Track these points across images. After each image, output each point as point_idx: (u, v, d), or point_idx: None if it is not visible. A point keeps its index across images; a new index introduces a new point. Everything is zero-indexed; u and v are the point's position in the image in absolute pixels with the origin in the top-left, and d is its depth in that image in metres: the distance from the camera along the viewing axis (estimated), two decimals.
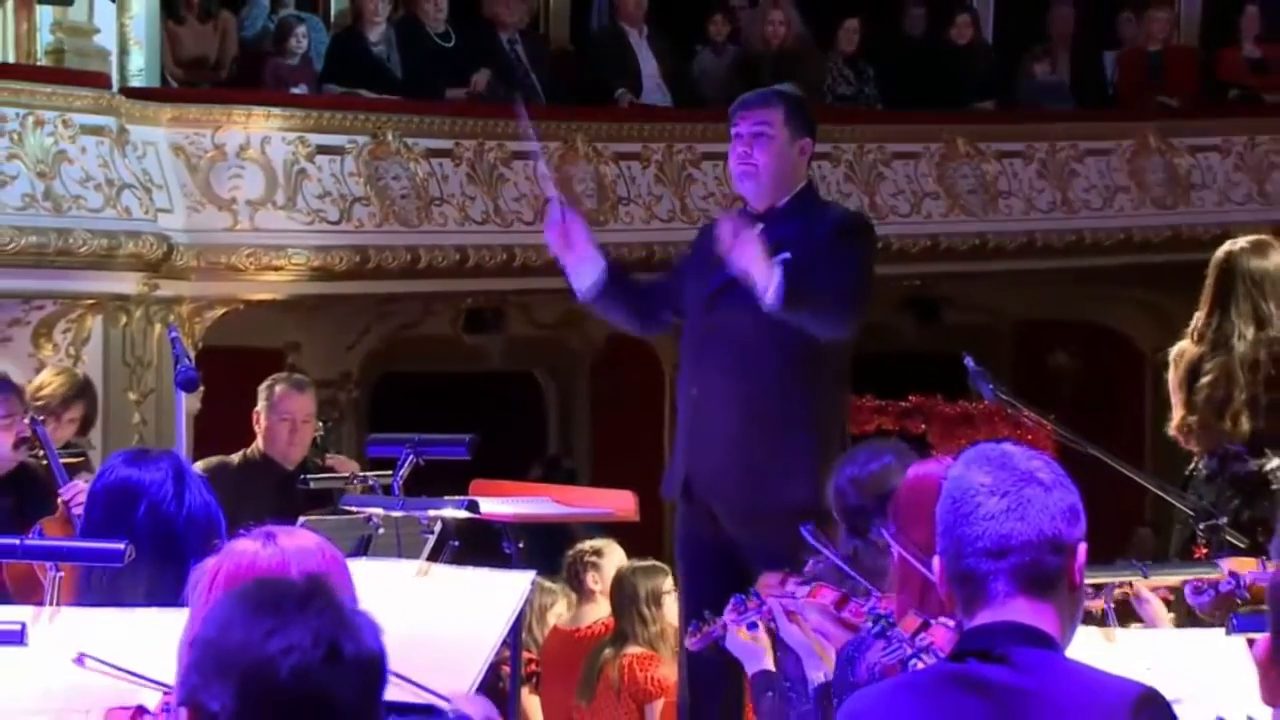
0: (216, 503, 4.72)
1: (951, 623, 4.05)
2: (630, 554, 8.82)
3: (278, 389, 8.39)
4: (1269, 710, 2.31)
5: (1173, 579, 5.50)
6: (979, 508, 3.33)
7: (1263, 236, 7.15)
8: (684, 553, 6.99)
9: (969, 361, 6.43)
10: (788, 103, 6.86)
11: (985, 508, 3.32)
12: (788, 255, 6.61)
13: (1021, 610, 3.33)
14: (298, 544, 3.62)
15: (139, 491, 4.64)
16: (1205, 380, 6.87)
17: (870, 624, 4.54)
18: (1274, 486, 6.80)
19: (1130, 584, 5.11)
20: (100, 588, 4.61)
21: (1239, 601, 5.21)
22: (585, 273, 6.91)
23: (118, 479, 4.73)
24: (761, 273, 6.29)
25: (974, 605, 3.35)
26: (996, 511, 3.32)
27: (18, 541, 5.32)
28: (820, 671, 4.67)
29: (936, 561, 3.43)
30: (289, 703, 2.59)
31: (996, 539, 3.32)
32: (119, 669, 3.94)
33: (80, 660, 4.06)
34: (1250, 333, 6.83)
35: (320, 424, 8.94)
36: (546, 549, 9.72)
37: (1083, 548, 3.35)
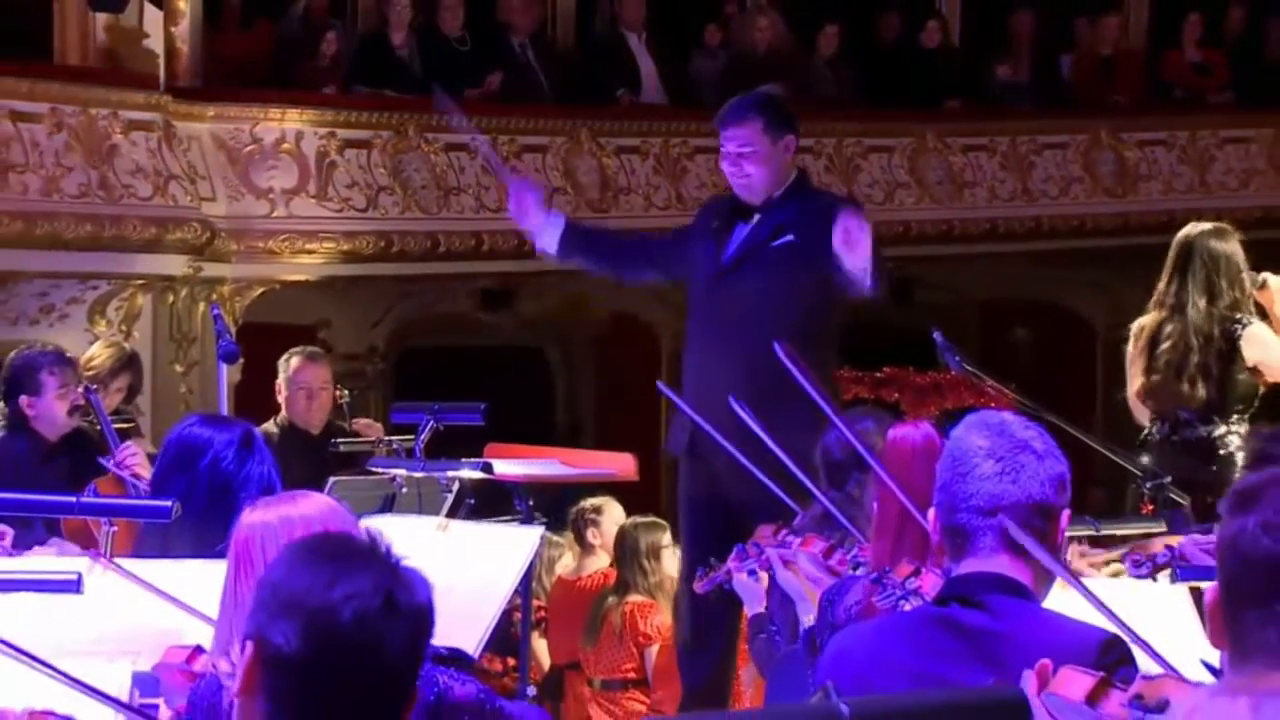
0: (278, 474, 4.72)
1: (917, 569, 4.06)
2: (630, 510, 8.82)
3: (294, 361, 8.38)
4: (1218, 652, 2.30)
5: (1121, 531, 5.51)
6: (976, 468, 3.34)
7: (1223, 225, 7.15)
8: (687, 506, 6.97)
9: (937, 336, 6.42)
10: (765, 112, 6.79)
11: (981, 469, 3.34)
12: (791, 237, 6.61)
13: (1003, 564, 3.34)
14: (310, 507, 3.62)
15: (206, 447, 4.66)
16: (1165, 345, 6.87)
17: (852, 570, 4.54)
18: (1221, 452, 6.79)
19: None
20: (154, 538, 4.61)
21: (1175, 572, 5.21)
22: (547, 234, 7.01)
23: (191, 433, 4.75)
24: (868, 267, 6.29)
25: (961, 555, 3.37)
26: (991, 474, 3.34)
27: (74, 499, 5.33)
28: (811, 615, 4.67)
29: (931, 513, 3.44)
30: (347, 644, 2.59)
31: (989, 498, 3.33)
32: (177, 601, 3.93)
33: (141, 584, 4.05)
34: (1202, 303, 6.83)
35: (345, 391, 8.94)
36: (553, 506, 9.73)
37: (1066, 514, 3.36)
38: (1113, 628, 3.20)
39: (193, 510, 4.53)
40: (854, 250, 6.25)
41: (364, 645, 2.59)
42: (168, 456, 4.77)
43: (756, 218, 6.70)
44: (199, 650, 3.64)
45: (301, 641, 2.58)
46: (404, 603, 2.62)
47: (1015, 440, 3.37)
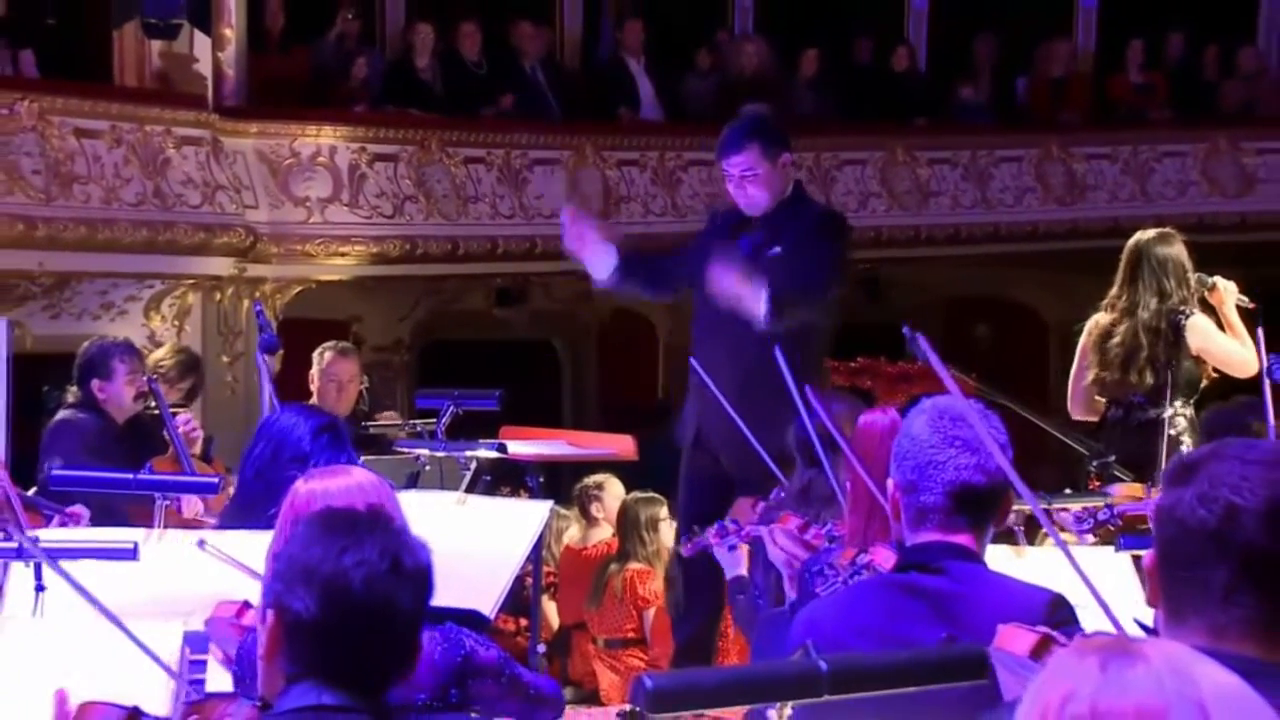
0: (355, 458, 4.71)
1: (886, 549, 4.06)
2: (629, 486, 8.83)
3: (327, 355, 8.38)
4: (1151, 612, 2.30)
5: (1069, 505, 5.52)
6: (952, 457, 3.34)
7: (1167, 230, 7.13)
8: (686, 486, 6.96)
9: (906, 330, 6.41)
10: (761, 137, 6.74)
11: (957, 459, 3.34)
12: (778, 250, 6.59)
13: (959, 535, 3.34)
14: (355, 480, 3.63)
15: (289, 432, 4.64)
16: (1115, 341, 6.88)
17: (828, 543, 4.54)
18: (1171, 432, 6.79)
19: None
20: (238, 512, 4.61)
21: (1112, 529, 5.22)
22: (601, 264, 6.88)
23: (284, 420, 4.74)
24: (749, 301, 6.28)
25: (920, 526, 3.37)
26: (965, 463, 3.34)
27: (132, 475, 5.33)
28: (794, 595, 4.66)
29: (890, 484, 3.44)
30: (359, 606, 2.60)
31: (961, 483, 3.33)
32: (231, 558, 3.93)
33: (201, 545, 4.06)
34: (1153, 304, 6.83)
35: (365, 379, 8.94)
36: (560, 482, 9.74)
37: (1011, 493, 3.37)
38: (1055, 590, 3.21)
39: (274, 486, 4.52)
40: (720, 289, 6.27)
41: (375, 606, 2.60)
42: (262, 436, 4.76)
43: (757, 229, 6.69)
44: (247, 605, 3.65)
45: (318, 607, 2.59)
46: (408, 565, 2.64)
47: (968, 425, 3.37)
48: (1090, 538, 5.29)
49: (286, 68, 13.13)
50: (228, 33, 12.45)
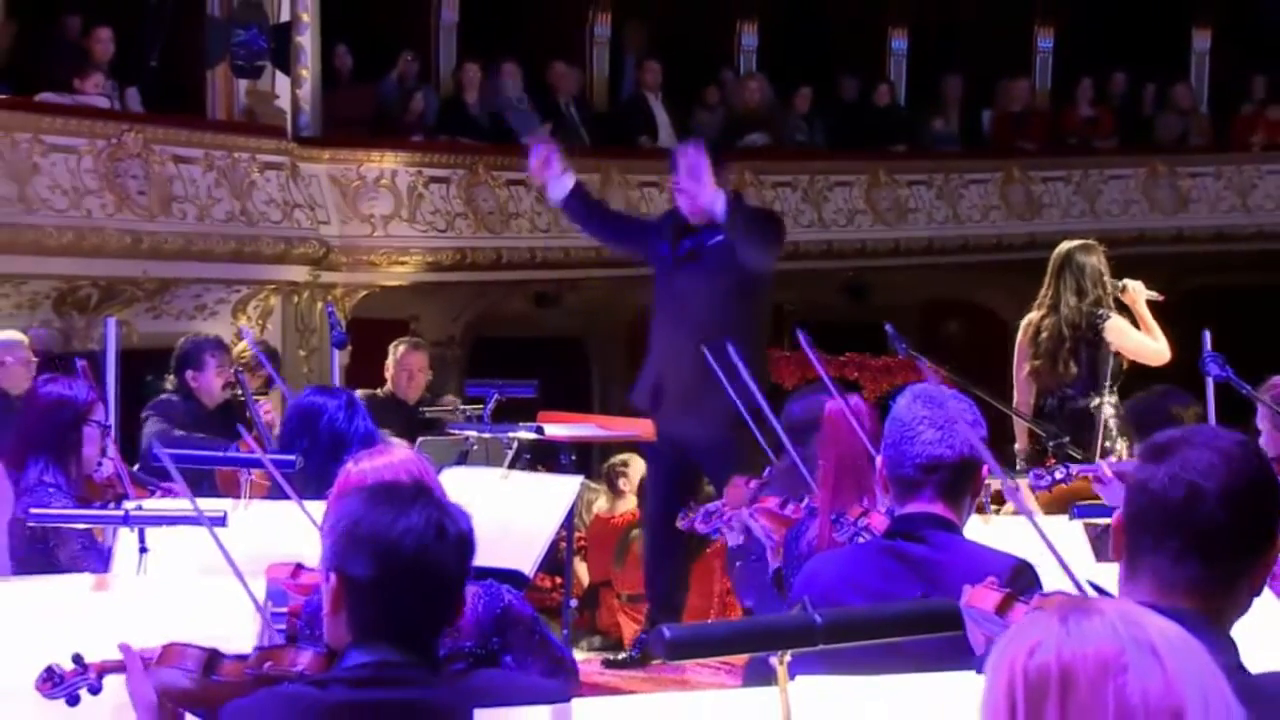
0: (375, 426, 4.72)
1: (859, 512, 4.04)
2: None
3: (400, 349, 8.40)
4: (1110, 574, 2.31)
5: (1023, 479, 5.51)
6: (920, 434, 3.33)
7: (1089, 241, 7.22)
8: (652, 455, 7.00)
9: (888, 328, 6.40)
10: (705, 145, 6.81)
11: (924, 435, 3.33)
12: (720, 238, 6.61)
13: (938, 507, 3.33)
14: (398, 458, 3.62)
15: (322, 410, 4.64)
16: (1044, 336, 6.92)
17: (807, 515, 4.50)
18: (1099, 417, 6.81)
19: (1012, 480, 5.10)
20: (291, 485, 4.61)
21: (1065, 486, 5.22)
22: (558, 187, 6.96)
23: (309, 400, 4.74)
24: (710, 201, 6.36)
25: (906, 499, 3.37)
26: (932, 439, 3.33)
27: (222, 453, 5.33)
28: (778, 563, 4.63)
29: (879, 462, 3.44)
30: (410, 569, 2.57)
31: (929, 458, 3.32)
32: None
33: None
34: (1073, 300, 6.89)
35: (429, 372, 8.94)
36: (589, 460, 9.72)
37: (985, 469, 3.37)
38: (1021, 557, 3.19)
39: (315, 460, 4.51)
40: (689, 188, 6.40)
41: (423, 568, 2.58)
42: (292, 420, 4.75)
43: (699, 231, 6.71)
44: (300, 567, 3.63)
45: (373, 569, 2.57)
46: (451, 531, 2.61)
47: (951, 413, 3.36)
48: (1045, 493, 5.30)
49: (354, 103, 13.14)
50: (304, 73, 12.46)
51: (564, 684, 3.60)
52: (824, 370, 4.85)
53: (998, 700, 1.62)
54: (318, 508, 4.05)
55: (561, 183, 6.95)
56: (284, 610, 3.72)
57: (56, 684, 2.92)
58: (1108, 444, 6.63)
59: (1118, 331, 6.82)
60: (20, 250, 10.52)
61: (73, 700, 2.92)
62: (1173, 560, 2.19)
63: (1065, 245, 7.08)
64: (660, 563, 6.82)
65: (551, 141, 7.33)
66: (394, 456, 3.58)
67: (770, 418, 5.12)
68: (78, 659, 2.91)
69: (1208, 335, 5.76)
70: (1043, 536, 2.65)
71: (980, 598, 2.61)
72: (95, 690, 2.91)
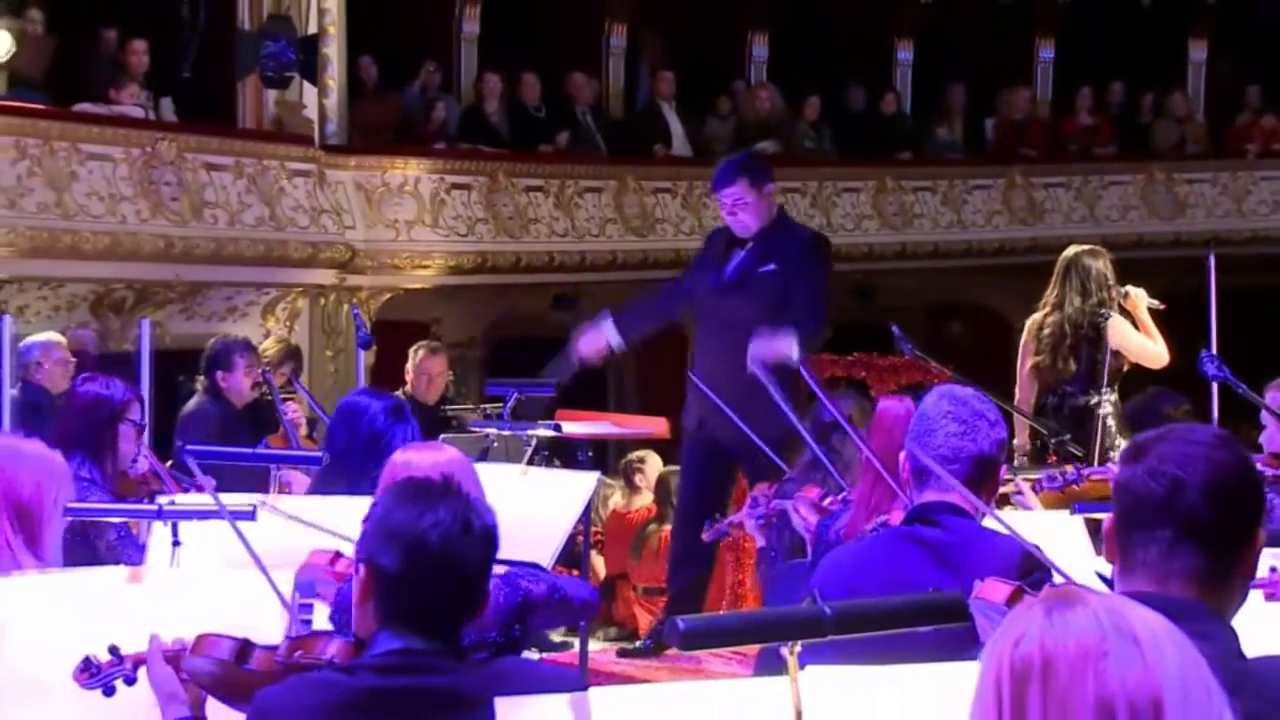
0: (419, 432, 4.70)
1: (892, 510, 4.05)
2: (665, 460, 8.80)
3: (420, 353, 8.39)
4: (1108, 567, 2.31)
5: (1033, 475, 5.49)
6: (943, 428, 3.37)
7: (1097, 246, 7.19)
8: (690, 464, 6.93)
9: (895, 329, 6.40)
10: (746, 172, 6.67)
11: (946, 429, 3.37)
12: (771, 267, 6.55)
13: (954, 496, 3.36)
14: (445, 455, 3.62)
15: (364, 410, 4.63)
16: (1046, 332, 6.91)
17: (841, 507, 4.54)
18: (1098, 414, 6.80)
19: (1013, 481, 5.11)
20: (325, 480, 4.61)
21: (1076, 487, 5.22)
22: (604, 338, 6.90)
23: (355, 400, 4.73)
24: (783, 355, 6.17)
25: (924, 488, 3.40)
26: (954, 433, 3.36)
27: (251, 450, 5.34)
28: (811, 550, 4.67)
29: (903, 456, 3.48)
30: (435, 561, 2.58)
31: (950, 450, 3.35)
32: (316, 526, 3.92)
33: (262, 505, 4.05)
34: (1077, 301, 6.88)
35: (451, 374, 8.94)
36: (605, 457, 9.72)
37: (1004, 468, 3.43)
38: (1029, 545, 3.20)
39: (353, 458, 4.51)
40: (773, 358, 6.12)
41: (448, 560, 2.58)
42: (337, 416, 4.75)
43: (749, 246, 6.65)
44: (338, 554, 3.63)
45: (401, 562, 2.57)
46: (476, 526, 2.61)
47: (974, 410, 3.42)
48: (1057, 493, 5.30)
49: (379, 112, 13.15)
50: (330, 83, 12.48)
51: (591, 598, 3.66)
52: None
53: (986, 691, 1.63)
54: (355, 503, 4.06)
55: (604, 330, 6.88)
56: (311, 600, 3.72)
57: (93, 675, 2.92)
58: (1107, 442, 6.62)
59: (1118, 330, 6.81)
60: (59, 255, 10.55)
61: (109, 691, 2.92)
62: (1164, 552, 2.19)
63: (1073, 249, 7.08)
64: (685, 564, 6.81)
65: (588, 333, 7.17)
66: (436, 455, 3.59)
67: (805, 437, 5.10)
68: (114, 650, 2.91)
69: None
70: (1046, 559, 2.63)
71: (991, 591, 2.62)
72: (130, 681, 2.91)
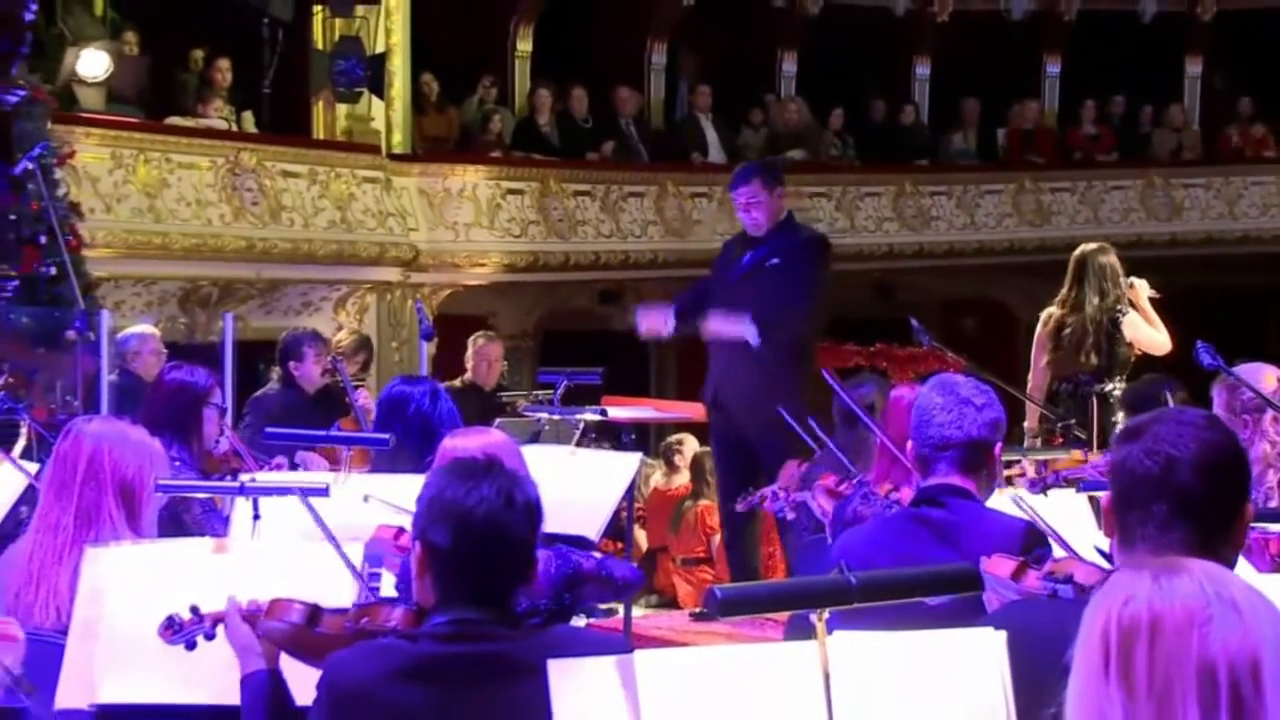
0: (457, 410, 4.73)
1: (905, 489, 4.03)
2: (701, 442, 8.79)
3: (479, 341, 8.41)
4: (1107, 541, 2.29)
5: (1040, 457, 5.47)
6: (935, 417, 3.34)
7: (1104, 244, 7.16)
8: (717, 448, 6.98)
9: (913, 323, 6.37)
10: (760, 174, 6.77)
11: (939, 417, 3.33)
12: (777, 260, 6.57)
13: (955, 478, 3.33)
14: (491, 438, 3.62)
15: (409, 398, 4.65)
16: (1068, 331, 6.86)
17: (856, 490, 4.52)
18: (1110, 402, 6.76)
19: (1020, 463, 5.08)
20: (389, 462, 4.62)
21: (1059, 489, 5.18)
22: (667, 326, 6.90)
23: (397, 390, 4.74)
24: (737, 334, 6.27)
25: (928, 473, 3.37)
26: (945, 420, 3.33)
27: (325, 433, 5.35)
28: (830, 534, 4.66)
29: (910, 445, 3.46)
30: (483, 536, 2.56)
31: (942, 438, 3.32)
32: (386, 502, 3.94)
33: (366, 499, 4.06)
34: (1096, 301, 6.83)
35: (505, 363, 8.95)
36: (647, 439, 9.71)
37: (999, 446, 3.39)
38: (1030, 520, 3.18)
39: (411, 442, 4.52)
40: (721, 334, 6.22)
41: (493, 533, 2.56)
42: (383, 408, 4.76)
43: (759, 245, 6.68)
44: (402, 530, 3.64)
45: (451, 538, 2.56)
46: (519, 500, 2.59)
47: (961, 397, 3.37)
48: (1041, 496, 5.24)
49: (440, 124, 13.18)
50: (396, 97, 12.51)
51: (635, 577, 3.66)
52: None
53: (1093, 645, 1.62)
54: (416, 482, 4.08)
55: (667, 318, 6.90)
56: (378, 570, 3.74)
57: (176, 631, 2.95)
58: (1114, 421, 6.59)
59: (1133, 325, 6.82)
60: (151, 255, 10.63)
61: (190, 645, 2.96)
62: (1161, 525, 2.17)
63: (1084, 249, 7.02)
64: (735, 535, 6.86)
65: (652, 310, 7.19)
66: (484, 438, 3.60)
67: (808, 418, 5.11)
68: (194, 609, 2.95)
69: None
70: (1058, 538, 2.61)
71: (997, 565, 2.60)
72: (210, 636, 2.95)
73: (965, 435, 3.33)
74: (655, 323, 6.93)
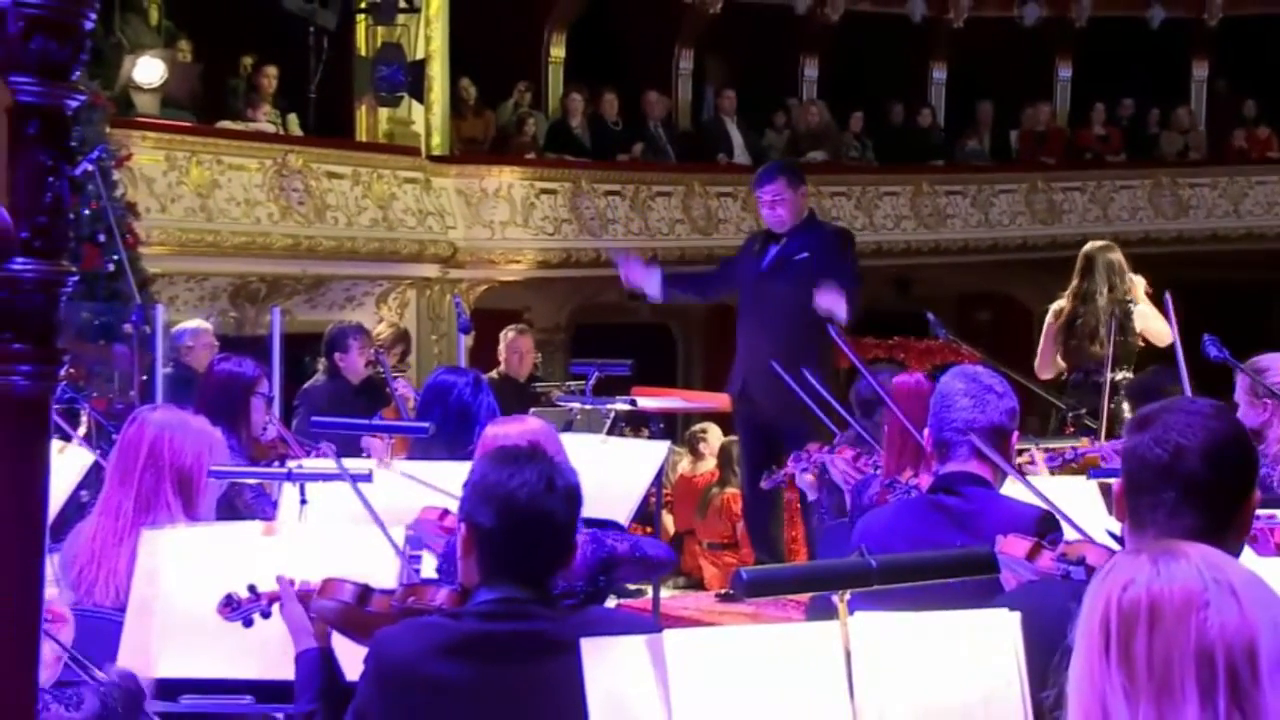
0: (498, 404, 4.75)
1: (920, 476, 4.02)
2: (726, 432, 8.79)
3: (510, 334, 8.41)
4: (1118, 525, 2.28)
5: (1050, 445, 5.45)
6: (956, 403, 3.32)
7: (1110, 242, 7.16)
8: (743, 435, 6.96)
9: (929, 317, 6.35)
10: (784, 173, 6.76)
11: (960, 404, 3.32)
12: (805, 255, 6.56)
13: (973, 466, 3.31)
14: (530, 426, 3.63)
15: (451, 387, 4.67)
16: (1080, 323, 6.85)
17: (873, 471, 4.51)
18: (1119, 391, 6.74)
19: (1029, 451, 5.06)
20: (423, 448, 4.63)
21: (1075, 466, 5.19)
22: (651, 284, 6.90)
23: (441, 379, 4.76)
24: (839, 308, 6.23)
25: (945, 459, 3.36)
26: (966, 406, 3.31)
27: (368, 422, 5.37)
28: (848, 504, 4.65)
29: (925, 431, 3.44)
30: (526, 518, 2.58)
31: (964, 423, 3.31)
32: (428, 484, 3.95)
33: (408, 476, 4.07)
34: (1105, 292, 6.81)
35: (539, 355, 8.95)
36: (675, 428, 9.71)
37: (1015, 434, 3.37)
38: (1045, 508, 3.16)
39: (448, 429, 4.54)
40: (833, 310, 6.20)
41: (535, 515, 2.58)
42: (427, 395, 4.78)
43: (783, 241, 6.67)
44: (446, 511, 3.65)
45: (495, 519, 2.58)
46: (560, 484, 2.61)
47: (982, 385, 3.36)
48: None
49: (477, 126, 13.20)
50: (435, 102, 12.52)
51: (668, 557, 3.67)
52: (854, 355, 4.88)
53: (1093, 628, 1.61)
54: (453, 468, 4.09)
55: (653, 278, 6.89)
56: (421, 552, 3.75)
57: (234, 609, 2.98)
58: (1121, 408, 6.56)
59: (1143, 317, 6.81)
60: (202, 252, 10.68)
61: (248, 623, 2.98)
62: (1170, 512, 2.16)
63: (1090, 246, 7.02)
64: (758, 517, 6.85)
65: (626, 254, 7.26)
66: (523, 426, 3.61)
67: (833, 403, 5.11)
68: (252, 588, 2.97)
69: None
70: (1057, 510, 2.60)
71: (1012, 546, 2.59)
72: (266, 614, 2.97)
73: (989, 420, 3.32)
74: (637, 276, 6.89)
